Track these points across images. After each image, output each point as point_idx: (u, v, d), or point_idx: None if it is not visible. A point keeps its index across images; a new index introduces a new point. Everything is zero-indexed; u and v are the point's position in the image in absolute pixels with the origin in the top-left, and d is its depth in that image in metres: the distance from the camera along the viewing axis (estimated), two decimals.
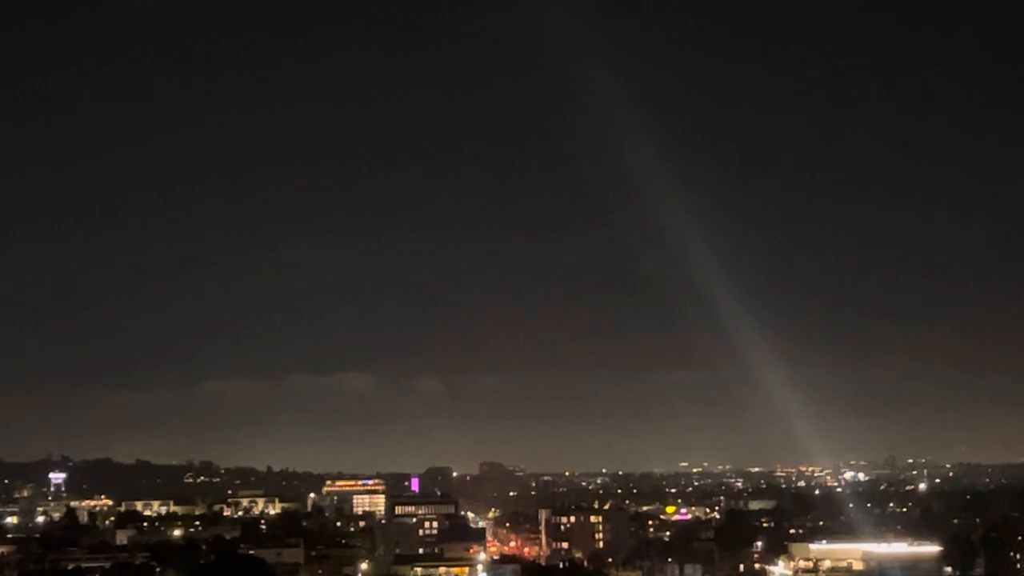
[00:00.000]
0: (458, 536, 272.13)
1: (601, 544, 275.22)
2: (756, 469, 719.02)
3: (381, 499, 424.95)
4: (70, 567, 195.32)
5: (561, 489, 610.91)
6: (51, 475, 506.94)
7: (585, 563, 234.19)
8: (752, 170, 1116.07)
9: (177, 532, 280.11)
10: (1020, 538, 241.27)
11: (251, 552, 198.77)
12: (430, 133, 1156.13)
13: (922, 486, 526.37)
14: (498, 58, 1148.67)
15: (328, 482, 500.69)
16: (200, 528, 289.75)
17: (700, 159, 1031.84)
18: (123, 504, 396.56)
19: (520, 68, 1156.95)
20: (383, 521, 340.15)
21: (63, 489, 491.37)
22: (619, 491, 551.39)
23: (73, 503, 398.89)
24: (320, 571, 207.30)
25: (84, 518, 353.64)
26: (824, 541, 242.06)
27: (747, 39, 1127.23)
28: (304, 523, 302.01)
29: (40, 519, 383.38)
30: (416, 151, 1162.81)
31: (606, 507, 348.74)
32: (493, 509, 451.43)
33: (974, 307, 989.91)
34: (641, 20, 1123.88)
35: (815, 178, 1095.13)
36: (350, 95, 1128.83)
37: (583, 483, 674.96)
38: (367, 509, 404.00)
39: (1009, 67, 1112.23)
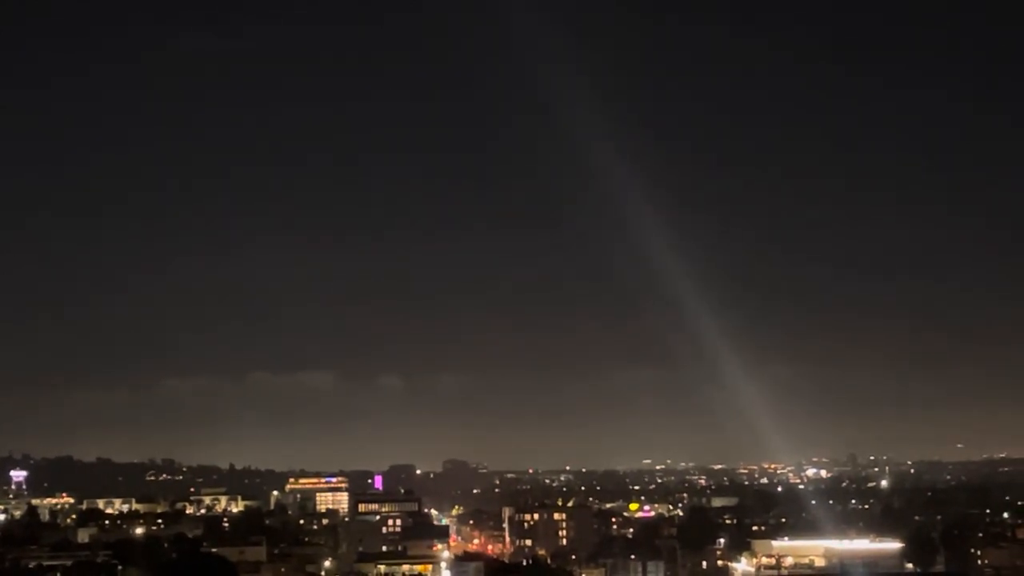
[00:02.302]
0: (421, 534, 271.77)
1: (565, 541, 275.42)
2: (719, 466, 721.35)
3: (344, 497, 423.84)
4: (31, 565, 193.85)
5: (525, 487, 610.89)
6: (12, 473, 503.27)
7: (549, 560, 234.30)
8: (717, 171, 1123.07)
9: (139, 530, 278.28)
10: (980, 534, 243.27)
11: (213, 550, 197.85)
12: (394, 134, 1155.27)
13: (883, 483, 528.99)
14: (465, 59, 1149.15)
15: (291, 480, 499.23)
16: (162, 526, 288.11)
17: (665, 159, 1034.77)
18: (85, 502, 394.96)
19: (489, 69, 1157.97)
20: (346, 519, 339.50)
21: (24, 487, 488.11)
22: (583, 488, 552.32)
23: (34, 501, 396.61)
24: (283, 569, 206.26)
25: (45, 516, 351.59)
26: (786, 538, 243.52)
27: (708, 38, 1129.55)
28: (267, 521, 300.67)
29: (0, 517, 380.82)
30: (380, 152, 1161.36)
31: (570, 504, 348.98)
32: (457, 507, 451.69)
33: (933, 305, 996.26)
34: (609, 18, 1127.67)
35: (781, 180, 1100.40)
36: (313, 98, 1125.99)
37: (547, 481, 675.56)
38: (330, 507, 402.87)
39: (980, 67, 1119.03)
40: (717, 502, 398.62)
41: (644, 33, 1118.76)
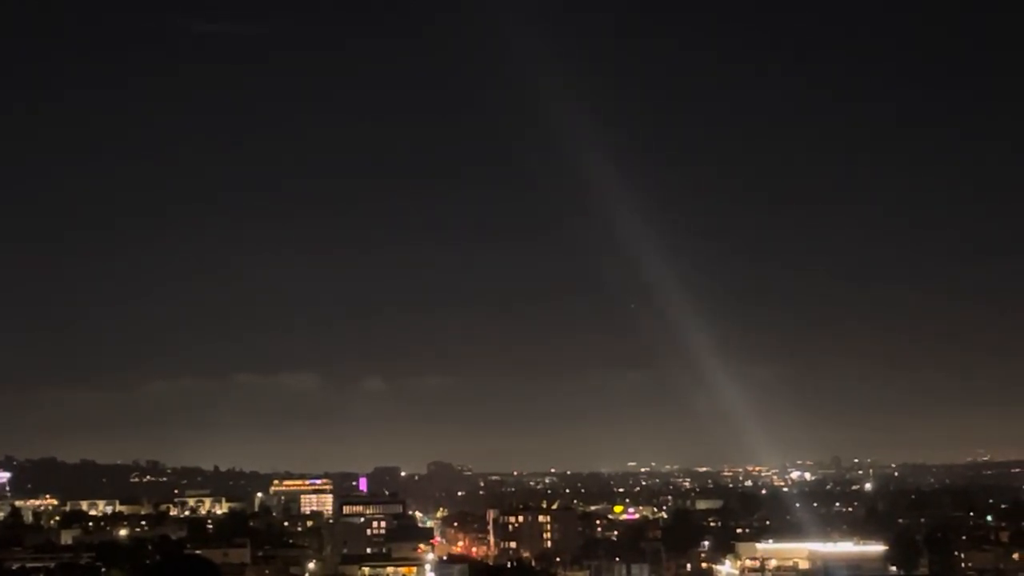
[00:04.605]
0: (406, 536, 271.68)
1: (549, 544, 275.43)
2: (703, 469, 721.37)
3: (329, 499, 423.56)
4: (14, 567, 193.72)
5: (509, 489, 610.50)
6: None
7: (533, 563, 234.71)
8: (704, 180, 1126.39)
9: (123, 532, 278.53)
10: (964, 537, 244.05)
11: (197, 552, 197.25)
12: (388, 145, 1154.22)
13: (867, 486, 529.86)
14: (456, 68, 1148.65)
15: (275, 482, 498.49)
16: (146, 528, 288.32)
17: (654, 169, 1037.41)
18: (68, 504, 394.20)
19: (478, 79, 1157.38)
20: (331, 521, 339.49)
21: (7, 489, 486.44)
22: (567, 491, 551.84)
23: (17, 503, 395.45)
24: (267, 571, 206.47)
25: (29, 518, 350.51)
26: (771, 540, 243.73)
27: (701, 54, 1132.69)
28: (251, 523, 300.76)
29: None
30: (370, 162, 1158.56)
31: (554, 507, 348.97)
32: (441, 509, 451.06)
33: (916, 309, 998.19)
34: (601, 33, 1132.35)
35: (760, 187, 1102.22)
36: (307, 111, 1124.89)
37: (531, 483, 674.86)
38: (315, 509, 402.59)
39: (959, 75, 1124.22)
40: (701, 505, 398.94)
41: (637, 51, 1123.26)
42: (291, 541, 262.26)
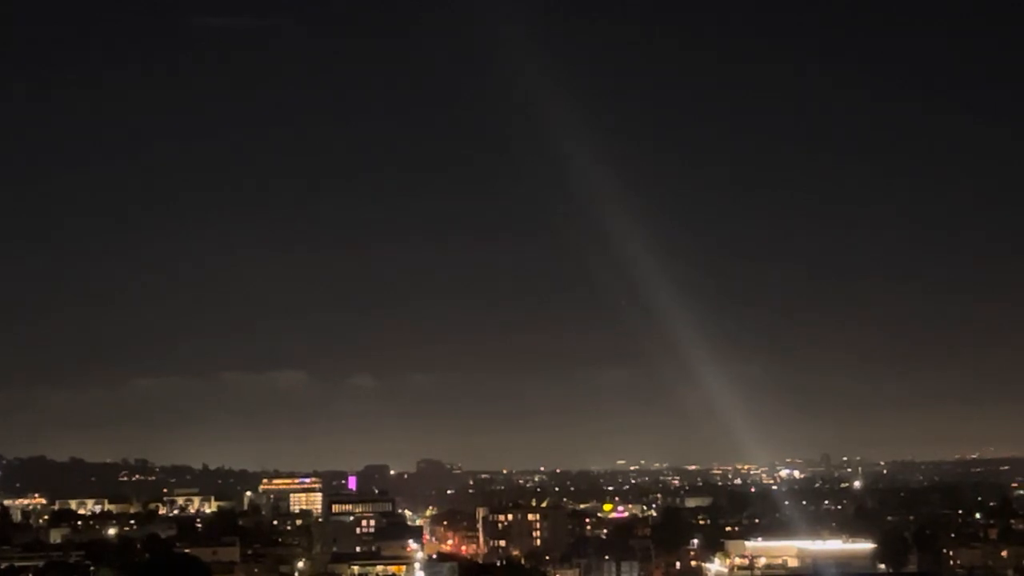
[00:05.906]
0: (395, 534, 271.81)
1: (539, 542, 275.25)
2: (693, 467, 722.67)
3: (318, 497, 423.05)
4: (3, 566, 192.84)
5: (499, 487, 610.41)
6: None
7: (523, 561, 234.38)
8: (693, 178, 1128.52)
9: (112, 531, 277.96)
10: (952, 535, 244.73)
11: (186, 551, 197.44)
12: (378, 146, 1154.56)
13: (856, 484, 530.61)
14: (444, 67, 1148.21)
15: (264, 480, 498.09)
16: (135, 527, 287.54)
17: (644, 168, 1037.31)
18: (57, 502, 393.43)
19: (467, 78, 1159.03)
20: (320, 519, 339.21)
21: None
22: (557, 489, 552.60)
23: (6, 501, 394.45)
24: (256, 570, 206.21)
25: (17, 517, 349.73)
26: (760, 538, 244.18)
27: (702, 54, 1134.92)
28: (240, 521, 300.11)
29: None
30: (358, 162, 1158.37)
31: (544, 505, 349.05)
32: (431, 507, 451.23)
33: (905, 307, 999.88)
34: (600, 33, 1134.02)
35: (755, 185, 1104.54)
36: (307, 111, 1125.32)
37: (521, 481, 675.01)
38: (304, 507, 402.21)
39: (944, 68, 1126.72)
40: (691, 502, 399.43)
41: (637, 51, 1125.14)
42: (280, 540, 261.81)
